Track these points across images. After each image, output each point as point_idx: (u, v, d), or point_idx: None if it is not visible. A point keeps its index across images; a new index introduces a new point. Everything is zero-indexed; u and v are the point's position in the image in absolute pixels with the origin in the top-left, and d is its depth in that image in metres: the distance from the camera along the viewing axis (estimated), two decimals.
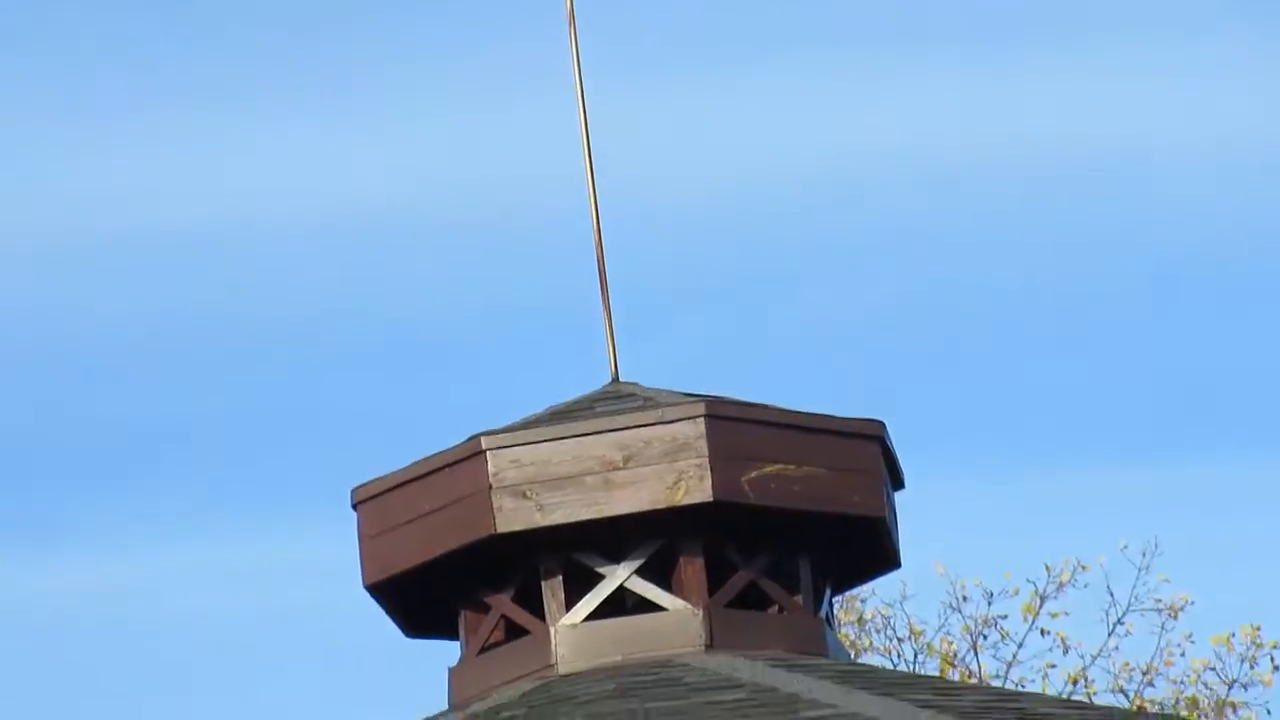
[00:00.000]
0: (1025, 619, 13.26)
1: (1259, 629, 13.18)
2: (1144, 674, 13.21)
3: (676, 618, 3.89)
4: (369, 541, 3.97)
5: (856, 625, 12.20)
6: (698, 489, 3.83)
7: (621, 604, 3.94)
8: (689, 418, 3.88)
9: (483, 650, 3.99)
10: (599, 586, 3.92)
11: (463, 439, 3.93)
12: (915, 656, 12.86)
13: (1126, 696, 12.83)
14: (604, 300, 4.03)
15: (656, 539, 3.91)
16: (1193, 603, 13.64)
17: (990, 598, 13.22)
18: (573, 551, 3.92)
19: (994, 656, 13.20)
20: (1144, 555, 13.83)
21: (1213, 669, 13.37)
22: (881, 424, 4.03)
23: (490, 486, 3.84)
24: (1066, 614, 13.45)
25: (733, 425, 3.90)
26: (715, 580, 3.94)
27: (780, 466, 3.91)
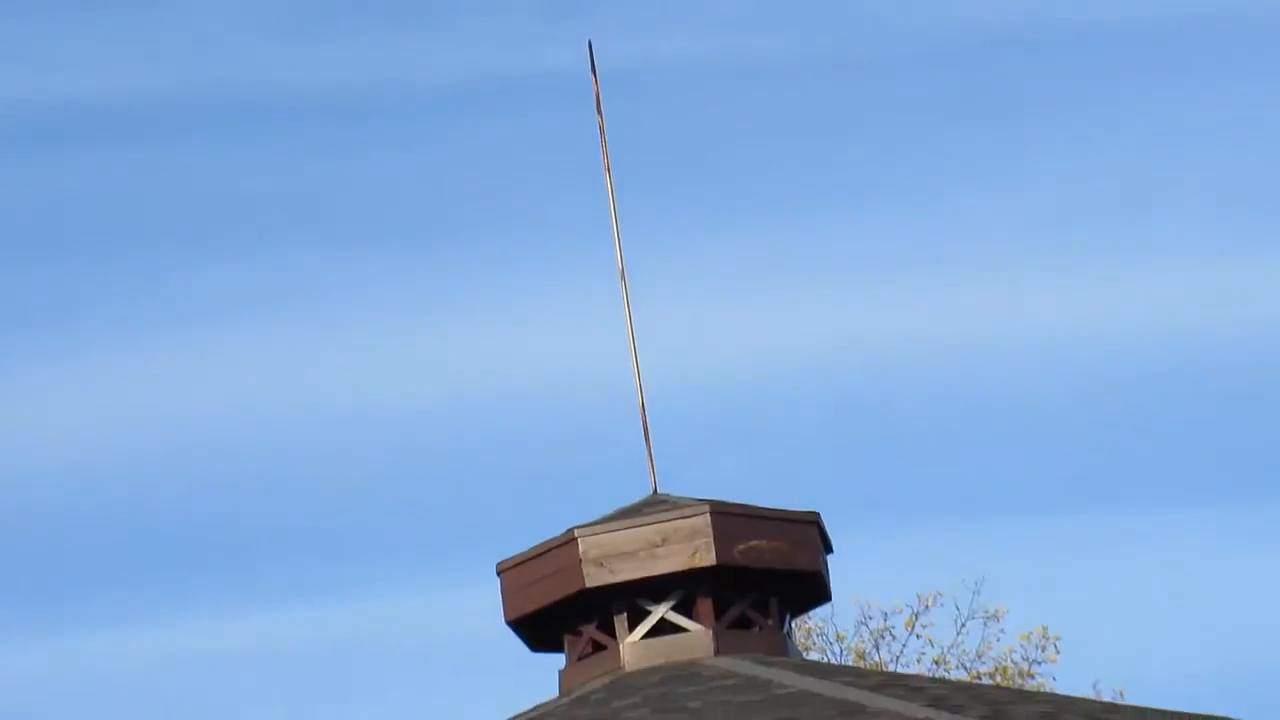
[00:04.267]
0: (907, 628, 22.46)
1: (1046, 628, 21.94)
2: (977, 655, 22.19)
3: (696, 636, 6.39)
4: (509, 594, 6.49)
5: (804, 635, 20.03)
6: (707, 557, 6.33)
7: (662, 628, 6.43)
8: (700, 514, 6.39)
9: (579, 659, 6.50)
10: (648, 618, 6.42)
11: (563, 531, 6.44)
12: (840, 654, 22.02)
13: (965, 669, 21.99)
14: (648, 450, 6.55)
15: (683, 589, 6.41)
16: (1009, 612, 22.21)
17: (885, 615, 22.25)
18: (632, 597, 6.42)
19: (888, 652, 22.50)
20: (976, 584, 21.96)
21: (1017, 653, 22.19)
22: (818, 514, 6.56)
23: (581, 559, 6.34)
24: (931, 624, 22.34)
25: (727, 518, 6.41)
26: (720, 612, 6.44)
27: (758, 542, 6.41)
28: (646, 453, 6.63)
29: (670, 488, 6.66)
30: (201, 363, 29.60)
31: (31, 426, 28.21)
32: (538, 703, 6.36)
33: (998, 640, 22.15)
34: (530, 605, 6.47)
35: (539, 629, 6.64)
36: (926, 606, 22.06)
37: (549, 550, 6.43)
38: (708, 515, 6.36)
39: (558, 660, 6.66)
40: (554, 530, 6.50)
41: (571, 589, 6.36)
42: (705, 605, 6.41)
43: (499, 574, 6.55)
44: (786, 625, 6.68)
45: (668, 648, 6.35)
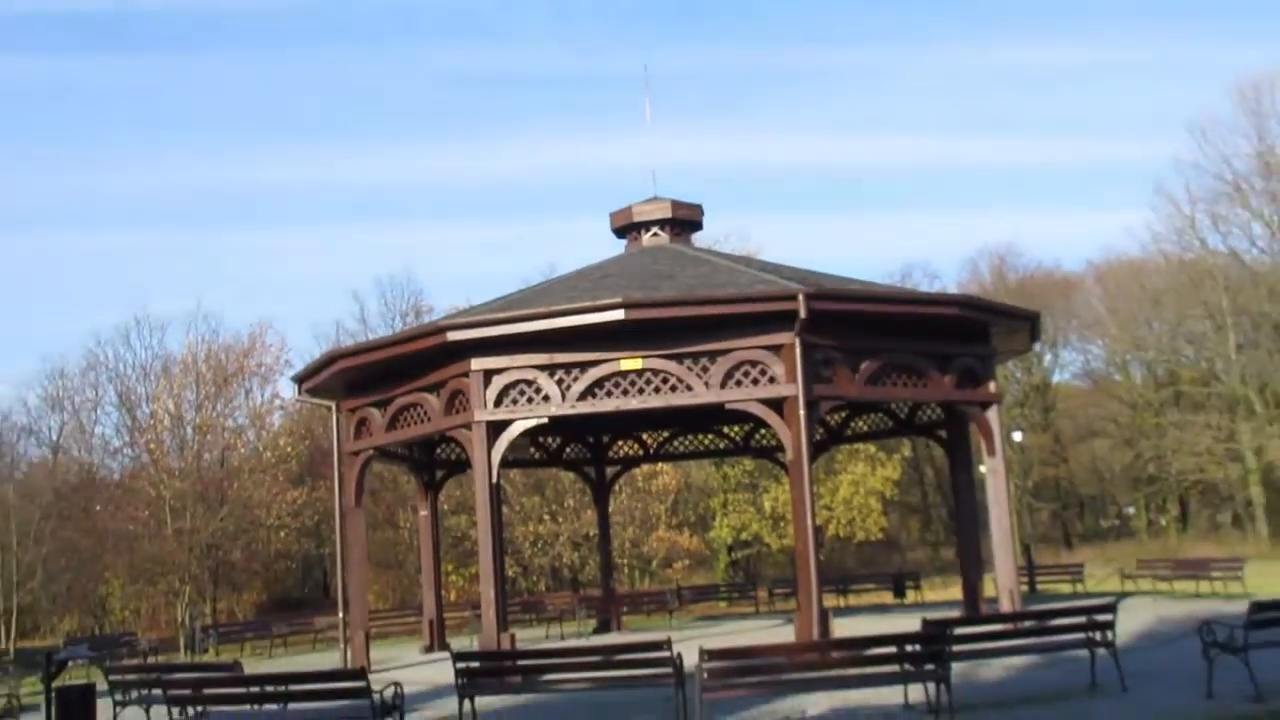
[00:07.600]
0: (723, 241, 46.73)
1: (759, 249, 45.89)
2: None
3: (664, 238, 22.35)
4: (613, 224, 22.48)
5: (693, 240, 34.20)
6: (668, 213, 22.25)
7: (654, 235, 22.39)
8: (666, 202, 22.24)
9: (629, 242, 22.51)
10: (650, 231, 22.36)
11: (626, 205, 22.34)
12: (704, 245, 35.96)
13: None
14: (654, 182, 22.48)
15: (662, 224, 22.32)
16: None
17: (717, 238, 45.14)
18: (648, 224, 22.38)
19: (719, 247, 42.56)
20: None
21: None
22: (701, 205, 22.52)
23: (633, 213, 22.26)
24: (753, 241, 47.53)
25: (677, 203, 22.28)
26: (671, 231, 22.38)
27: (685, 212, 22.33)
28: (654, 182, 22.61)
29: (663, 193, 22.61)
30: None
31: None
32: (616, 253, 22.44)
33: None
34: (616, 225, 22.51)
35: (620, 232, 22.68)
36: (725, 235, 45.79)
37: (626, 209, 22.41)
38: (669, 202, 22.31)
39: (623, 242, 22.75)
40: (625, 203, 22.44)
41: (626, 221, 22.38)
42: (667, 229, 22.41)
43: (610, 215, 22.60)
44: (689, 236, 22.80)
45: (656, 241, 22.42)
